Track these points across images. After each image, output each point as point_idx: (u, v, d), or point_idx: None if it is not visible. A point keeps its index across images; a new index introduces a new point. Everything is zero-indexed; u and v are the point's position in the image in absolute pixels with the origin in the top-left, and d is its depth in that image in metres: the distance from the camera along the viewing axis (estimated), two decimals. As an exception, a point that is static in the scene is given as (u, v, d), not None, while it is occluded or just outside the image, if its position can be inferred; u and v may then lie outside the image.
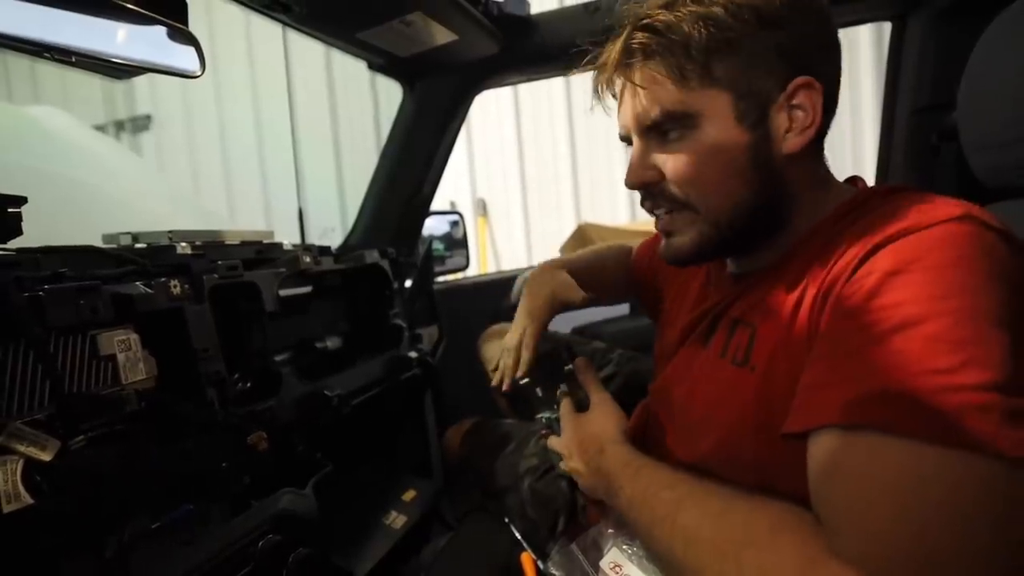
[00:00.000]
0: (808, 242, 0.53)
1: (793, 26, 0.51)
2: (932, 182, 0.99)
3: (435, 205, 1.45)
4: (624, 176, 0.58)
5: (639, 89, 0.54)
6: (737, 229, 0.55)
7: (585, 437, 0.66)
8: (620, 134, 0.60)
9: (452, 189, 4.07)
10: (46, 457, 0.48)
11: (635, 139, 0.57)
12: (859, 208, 0.52)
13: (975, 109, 0.70)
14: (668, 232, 0.59)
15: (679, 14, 0.51)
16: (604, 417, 0.67)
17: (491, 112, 3.98)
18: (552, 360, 0.76)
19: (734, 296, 0.59)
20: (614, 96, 0.59)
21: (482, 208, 4.19)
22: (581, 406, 0.72)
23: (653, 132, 0.55)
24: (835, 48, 0.55)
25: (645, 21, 0.53)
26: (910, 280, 0.40)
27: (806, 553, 0.39)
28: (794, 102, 0.52)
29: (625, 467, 0.58)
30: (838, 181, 0.59)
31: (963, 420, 0.35)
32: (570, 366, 0.75)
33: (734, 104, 0.52)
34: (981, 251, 0.41)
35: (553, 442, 0.73)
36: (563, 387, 0.74)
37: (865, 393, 0.39)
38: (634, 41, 0.53)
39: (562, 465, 0.71)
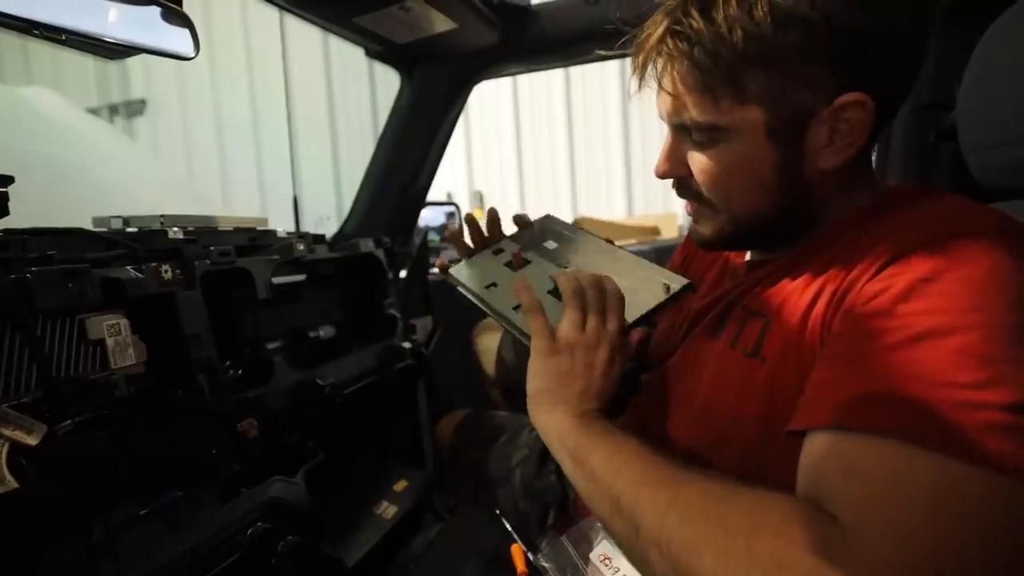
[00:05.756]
0: (831, 237, 0.52)
1: (858, 34, 0.45)
2: (928, 182, 0.99)
3: (431, 196, 1.44)
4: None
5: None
6: (758, 229, 0.55)
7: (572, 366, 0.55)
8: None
9: (449, 180, 4.06)
10: (32, 441, 0.47)
11: (668, 130, 0.56)
12: (886, 207, 0.50)
13: (975, 109, 0.70)
14: (694, 219, 0.60)
15: (715, 19, 0.46)
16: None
17: (489, 103, 3.96)
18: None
19: (749, 285, 0.58)
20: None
21: (479, 200, 4.17)
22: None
23: (683, 130, 0.54)
24: (910, 57, 0.49)
25: (676, 27, 0.48)
26: (942, 289, 0.39)
27: (823, 550, 0.35)
28: (840, 117, 0.48)
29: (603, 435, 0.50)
30: (875, 179, 0.55)
31: (983, 438, 0.34)
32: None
33: (766, 120, 0.48)
34: (1018, 266, 0.40)
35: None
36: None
37: (879, 394, 0.38)
38: (664, 46, 0.49)
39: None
